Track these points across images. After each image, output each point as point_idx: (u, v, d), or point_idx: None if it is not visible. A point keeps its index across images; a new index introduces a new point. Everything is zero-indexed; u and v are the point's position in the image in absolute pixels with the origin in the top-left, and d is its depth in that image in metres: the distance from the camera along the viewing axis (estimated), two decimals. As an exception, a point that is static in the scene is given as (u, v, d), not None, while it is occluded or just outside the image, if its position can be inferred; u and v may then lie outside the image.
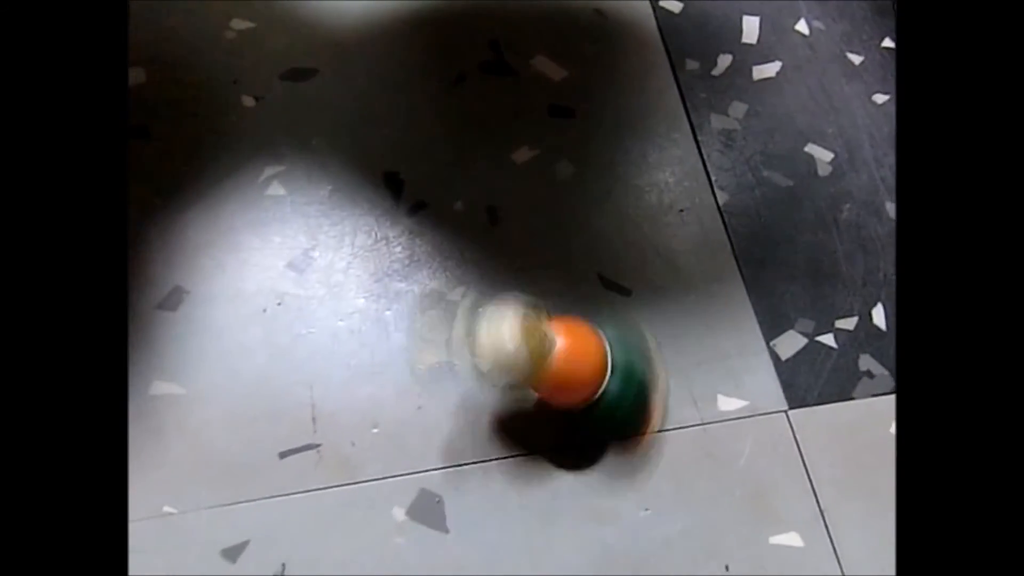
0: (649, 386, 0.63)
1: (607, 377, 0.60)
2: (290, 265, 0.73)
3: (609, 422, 0.62)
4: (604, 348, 0.61)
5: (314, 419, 0.66)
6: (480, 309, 0.59)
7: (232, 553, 0.60)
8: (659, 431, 0.65)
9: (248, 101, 0.80)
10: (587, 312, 0.70)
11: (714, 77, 0.83)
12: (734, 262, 0.73)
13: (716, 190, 0.77)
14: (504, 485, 0.63)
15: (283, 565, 0.60)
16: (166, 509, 0.62)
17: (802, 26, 0.87)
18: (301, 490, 0.63)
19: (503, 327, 0.57)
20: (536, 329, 0.58)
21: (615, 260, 0.73)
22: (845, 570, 0.60)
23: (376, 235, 0.74)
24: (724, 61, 0.84)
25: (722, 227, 0.75)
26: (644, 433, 0.64)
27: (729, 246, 0.74)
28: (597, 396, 0.60)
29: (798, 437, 0.65)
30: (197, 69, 0.82)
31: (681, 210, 0.76)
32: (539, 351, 0.58)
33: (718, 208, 0.76)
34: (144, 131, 0.78)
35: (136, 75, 0.81)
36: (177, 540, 0.61)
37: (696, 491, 0.63)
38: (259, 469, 0.63)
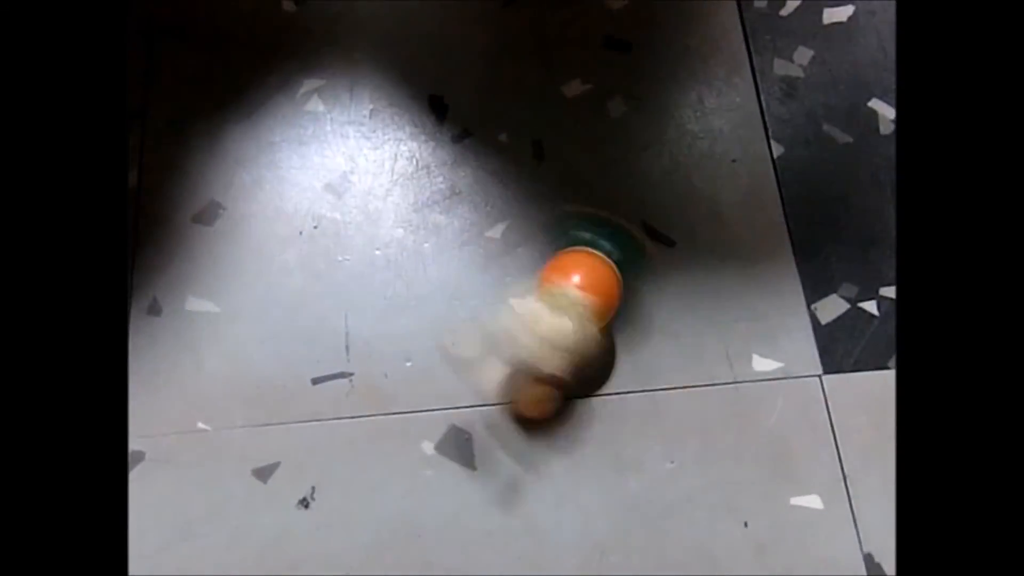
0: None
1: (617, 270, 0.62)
2: (328, 187, 0.71)
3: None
4: (607, 263, 0.62)
5: (348, 347, 0.65)
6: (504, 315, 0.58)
7: (263, 473, 0.61)
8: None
9: (289, 6, 0.76)
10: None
11: (781, 18, 0.78)
12: (783, 219, 0.71)
13: (772, 142, 0.74)
14: (533, 427, 0.63)
15: (312, 488, 0.61)
16: (200, 425, 0.62)
17: (882, -33, 0.81)
18: (333, 417, 0.63)
19: (543, 324, 0.56)
20: (560, 296, 0.57)
21: (661, 208, 0.71)
22: (862, 535, 0.61)
23: (417, 162, 0.72)
24: (794, 1, 0.79)
25: (774, 182, 0.72)
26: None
27: (779, 202, 0.72)
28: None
29: (829, 403, 0.65)
30: (235, -33, 0.77)
31: (733, 160, 0.73)
32: (576, 310, 0.57)
33: (772, 161, 0.73)
34: (181, 32, 0.74)
35: (171, -31, 0.76)
36: (210, 456, 0.62)
37: (722, 448, 0.63)
38: (292, 393, 0.64)
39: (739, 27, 0.77)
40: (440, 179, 0.71)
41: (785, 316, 0.68)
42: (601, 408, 0.64)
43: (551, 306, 0.57)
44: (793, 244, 0.70)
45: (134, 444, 0.62)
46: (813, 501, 0.62)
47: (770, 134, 0.74)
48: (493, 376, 0.63)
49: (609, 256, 0.63)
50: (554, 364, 0.56)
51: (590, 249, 0.63)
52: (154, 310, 0.66)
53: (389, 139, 0.72)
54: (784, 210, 0.71)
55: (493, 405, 0.64)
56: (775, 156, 0.73)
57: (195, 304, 0.66)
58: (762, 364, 0.66)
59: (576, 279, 0.60)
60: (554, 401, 0.63)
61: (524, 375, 0.60)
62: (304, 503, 0.61)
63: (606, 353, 0.66)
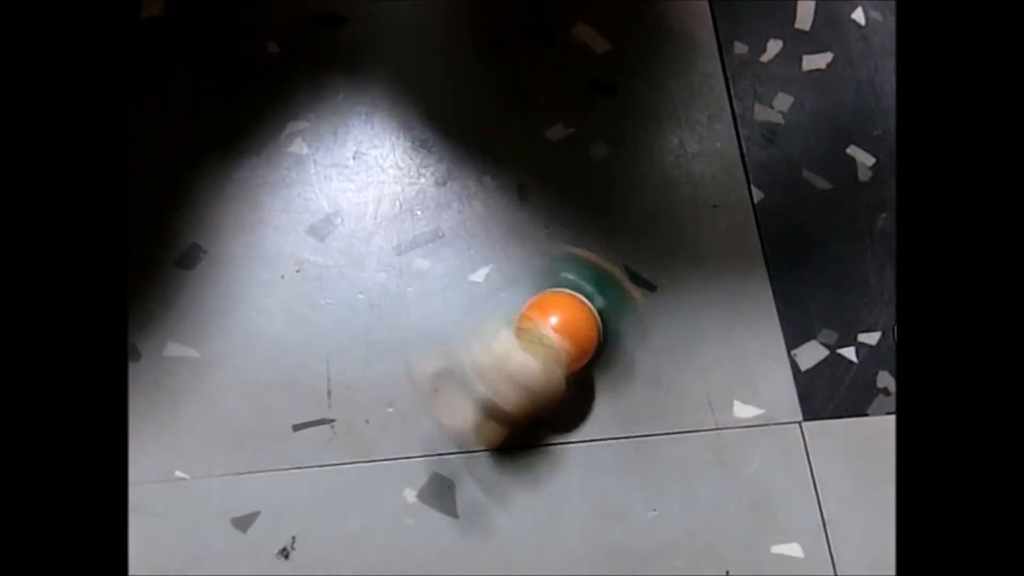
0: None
1: (598, 319, 0.63)
2: (311, 230, 0.71)
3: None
4: (587, 307, 0.63)
5: (329, 392, 0.65)
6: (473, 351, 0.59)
7: (243, 523, 0.61)
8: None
9: (273, 47, 0.76)
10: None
11: (762, 63, 0.80)
12: (763, 264, 0.72)
13: (752, 187, 0.75)
14: (516, 475, 0.63)
15: (293, 538, 0.61)
16: (178, 474, 0.62)
17: (859, 15, 0.83)
18: (314, 464, 0.63)
19: (503, 352, 0.57)
20: (534, 336, 0.58)
21: (643, 252, 0.72)
22: (841, 583, 0.62)
23: (401, 205, 0.72)
24: (774, 47, 0.80)
25: (755, 227, 0.74)
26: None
27: (760, 247, 0.73)
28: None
29: (809, 449, 0.66)
30: (220, 5, 0.77)
31: (715, 206, 0.74)
32: (547, 352, 0.58)
33: (752, 207, 0.74)
34: (163, 73, 0.74)
35: (152, 7, 0.76)
36: (188, 505, 0.61)
37: (704, 495, 0.64)
38: (272, 440, 0.63)
39: (720, 72, 0.79)
40: (424, 222, 0.72)
41: (766, 361, 0.69)
42: (584, 455, 0.65)
43: (522, 344, 0.57)
44: (773, 289, 0.72)
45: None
46: (794, 549, 0.63)
47: (751, 179, 0.75)
48: (453, 406, 0.62)
49: (592, 300, 0.64)
50: (514, 402, 0.56)
51: (573, 292, 0.64)
52: (133, 356, 0.65)
53: (373, 182, 0.73)
54: (764, 255, 0.73)
55: (475, 451, 0.64)
56: (755, 201, 0.75)
57: (175, 350, 0.66)
58: (743, 410, 0.67)
59: (553, 320, 0.61)
60: (509, 430, 0.62)
61: (483, 408, 0.60)
62: (284, 553, 0.60)
63: (579, 397, 0.66)
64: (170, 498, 0.61)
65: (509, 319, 0.61)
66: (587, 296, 0.64)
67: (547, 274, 0.68)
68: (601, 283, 0.66)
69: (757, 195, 0.75)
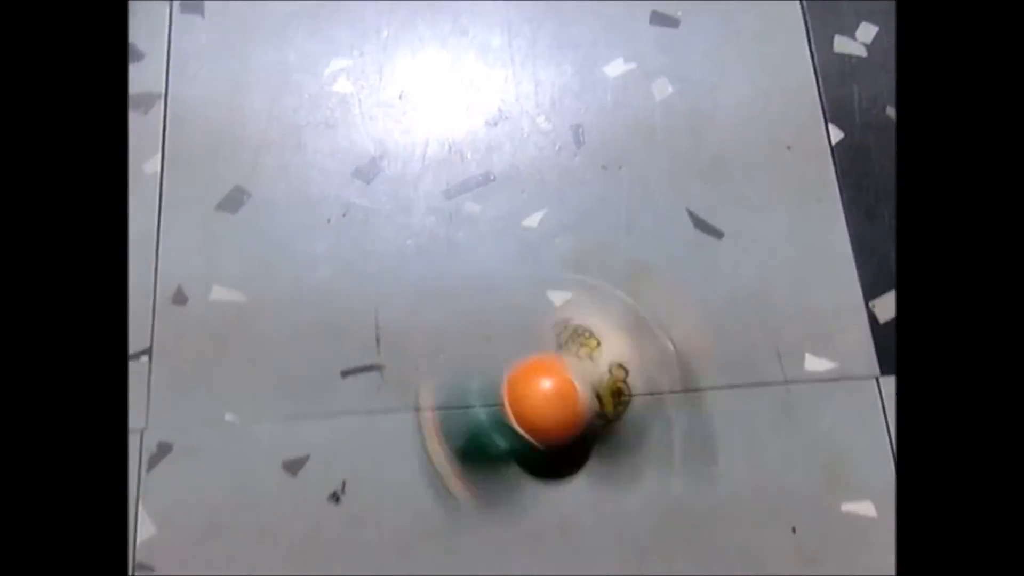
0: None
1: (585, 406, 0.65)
2: (357, 173, 0.78)
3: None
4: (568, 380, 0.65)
5: (378, 339, 0.73)
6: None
7: (293, 466, 0.69)
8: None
9: (315, -19, 0.83)
10: (676, 255, 0.75)
11: (844, -9, 0.84)
12: (840, 210, 0.77)
13: (830, 127, 0.80)
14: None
15: (343, 483, 0.69)
16: (228, 417, 0.71)
17: (955, -65, 0.86)
18: (364, 411, 0.71)
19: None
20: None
21: (708, 197, 0.77)
22: (917, 545, 0.67)
23: (450, 147, 0.79)
24: (858, -28, 0.84)
25: (832, 169, 0.78)
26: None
27: (837, 191, 0.78)
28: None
29: (886, 405, 0.71)
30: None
31: (788, 147, 0.79)
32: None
33: (830, 148, 0.79)
34: (200, 9, 0.82)
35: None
36: (238, 449, 0.70)
37: (770, 451, 0.70)
38: (321, 386, 0.71)
39: (797, 1, 0.83)
40: (474, 164, 0.79)
41: (842, 313, 0.74)
42: (645, 407, 0.71)
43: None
44: (851, 237, 0.76)
45: (161, 435, 0.70)
46: (866, 508, 0.68)
47: (828, 118, 0.80)
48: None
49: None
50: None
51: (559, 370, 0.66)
52: (179, 299, 0.74)
53: (420, 122, 0.80)
54: (842, 200, 0.77)
55: (529, 402, 0.71)
56: (833, 142, 0.79)
57: (221, 294, 0.74)
58: (815, 364, 0.72)
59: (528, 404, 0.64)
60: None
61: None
62: (335, 497, 0.68)
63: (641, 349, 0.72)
64: (220, 441, 0.70)
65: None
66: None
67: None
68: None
69: (835, 135, 0.80)
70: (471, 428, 0.69)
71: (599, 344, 0.69)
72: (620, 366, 0.69)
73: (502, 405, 0.64)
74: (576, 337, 0.70)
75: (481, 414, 0.69)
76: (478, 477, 0.68)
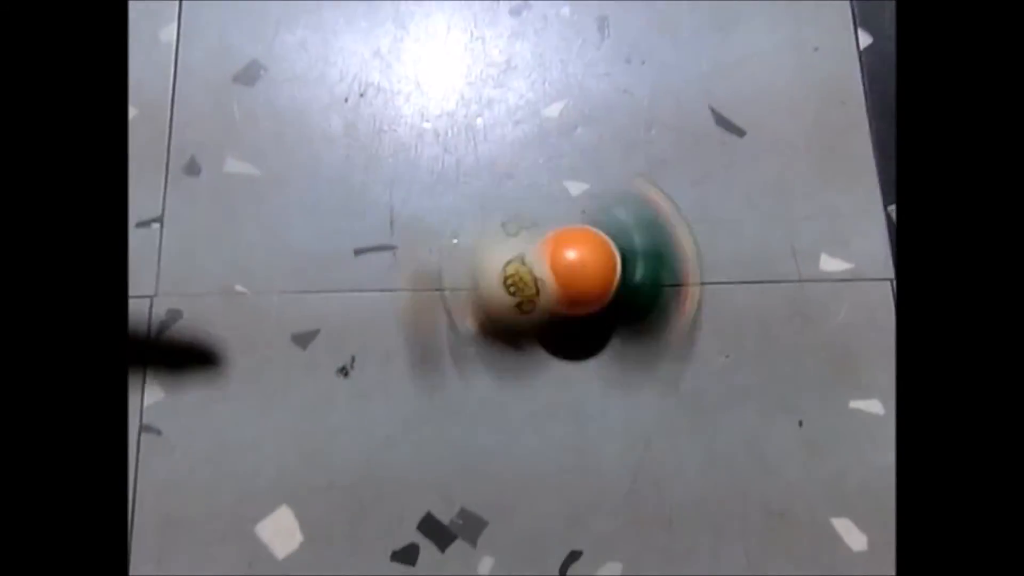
0: (675, 268, 0.68)
1: (617, 278, 0.65)
2: (376, 54, 0.76)
3: (635, 311, 0.68)
4: (610, 250, 0.65)
5: (392, 220, 0.72)
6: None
7: (302, 340, 0.69)
8: (696, 309, 0.70)
9: None
10: (696, 152, 0.74)
11: None
12: (864, 113, 0.76)
13: (859, 31, 0.78)
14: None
15: (352, 358, 0.68)
16: (238, 288, 0.70)
17: None
18: (375, 288, 0.70)
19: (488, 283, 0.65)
20: (521, 279, 0.64)
21: (732, 95, 0.76)
22: (922, 444, 0.68)
23: (472, 33, 0.77)
24: None
25: (859, 73, 0.77)
26: (681, 312, 0.69)
27: (863, 96, 0.76)
28: (611, 297, 0.65)
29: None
30: None
31: (816, 48, 0.77)
32: (529, 296, 0.64)
33: (858, 52, 0.77)
34: None
35: None
36: (248, 320, 0.69)
37: (781, 345, 0.69)
38: (333, 262, 0.71)
39: (832, -98, 0.81)
40: (496, 51, 0.77)
41: (860, 215, 0.73)
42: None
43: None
44: (874, 142, 0.75)
45: (171, 303, 0.69)
46: (873, 406, 0.68)
47: (858, 21, 0.78)
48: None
49: (636, 244, 0.67)
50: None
51: (599, 232, 0.66)
52: (192, 170, 0.73)
53: (443, 5, 0.78)
54: (867, 104, 0.76)
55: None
56: (862, 46, 0.78)
57: (235, 166, 0.73)
58: (831, 264, 0.72)
59: (567, 256, 0.64)
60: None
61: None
62: (343, 371, 0.68)
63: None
64: (230, 311, 0.69)
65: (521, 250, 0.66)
66: (632, 243, 0.67)
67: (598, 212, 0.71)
68: (652, 230, 0.68)
69: (864, 39, 0.78)
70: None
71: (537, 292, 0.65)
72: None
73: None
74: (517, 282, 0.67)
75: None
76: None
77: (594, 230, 0.67)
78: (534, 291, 0.64)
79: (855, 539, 0.65)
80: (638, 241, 0.67)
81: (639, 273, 0.66)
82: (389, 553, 0.64)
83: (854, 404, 0.68)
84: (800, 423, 0.68)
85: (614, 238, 0.66)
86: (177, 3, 0.77)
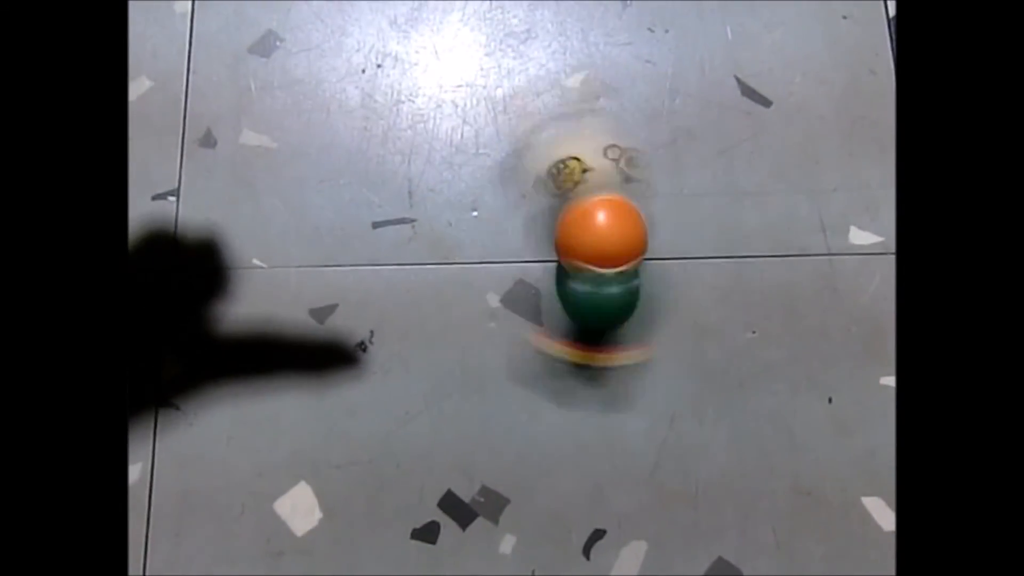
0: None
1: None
2: (393, 23, 0.74)
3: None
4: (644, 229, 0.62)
5: (410, 193, 0.70)
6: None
7: (320, 314, 0.67)
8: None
9: None
10: (721, 122, 0.72)
11: None
12: (894, 84, 0.73)
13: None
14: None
15: (371, 332, 0.67)
16: (255, 262, 0.68)
17: None
18: (394, 263, 0.68)
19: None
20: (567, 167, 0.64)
21: (758, 64, 0.73)
22: (954, 421, 0.65)
23: (492, 1, 0.75)
24: None
25: (888, 43, 0.74)
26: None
27: (892, 66, 0.73)
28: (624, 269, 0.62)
29: (931, 283, 0.68)
30: None
31: (844, 16, 0.75)
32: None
33: (887, 19, 0.75)
34: None
35: None
36: (265, 294, 0.67)
37: (809, 321, 0.67)
38: (351, 235, 0.69)
39: None
40: (516, 20, 0.74)
41: (889, 188, 0.70)
42: (681, 272, 0.68)
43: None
44: (904, 112, 0.72)
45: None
46: (904, 382, 0.66)
47: (888, -11, 0.75)
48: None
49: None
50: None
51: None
52: (208, 142, 0.71)
53: (462, -26, 0.75)
54: (898, 73, 0.73)
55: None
56: (891, 14, 0.75)
57: (251, 138, 0.71)
58: (860, 237, 0.69)
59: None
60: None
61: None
62: (362, 346, 0.66)
63: (676, 214, 0.69)
64: (247, 285, 0.67)
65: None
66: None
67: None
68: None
69: (893, 8, 0.75)
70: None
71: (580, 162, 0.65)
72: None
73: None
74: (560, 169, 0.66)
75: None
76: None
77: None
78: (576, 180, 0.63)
79: (886, 518, 0.63)
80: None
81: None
82: (409, 531, 0.63)
83: (884, 380, 0.66)
84: (829, 400, 0.66)
85: None
86: (191, -27, 0.75)
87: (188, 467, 0.64)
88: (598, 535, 0.63)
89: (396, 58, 0.73)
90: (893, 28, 0.74)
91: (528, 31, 0.74)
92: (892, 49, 0.74)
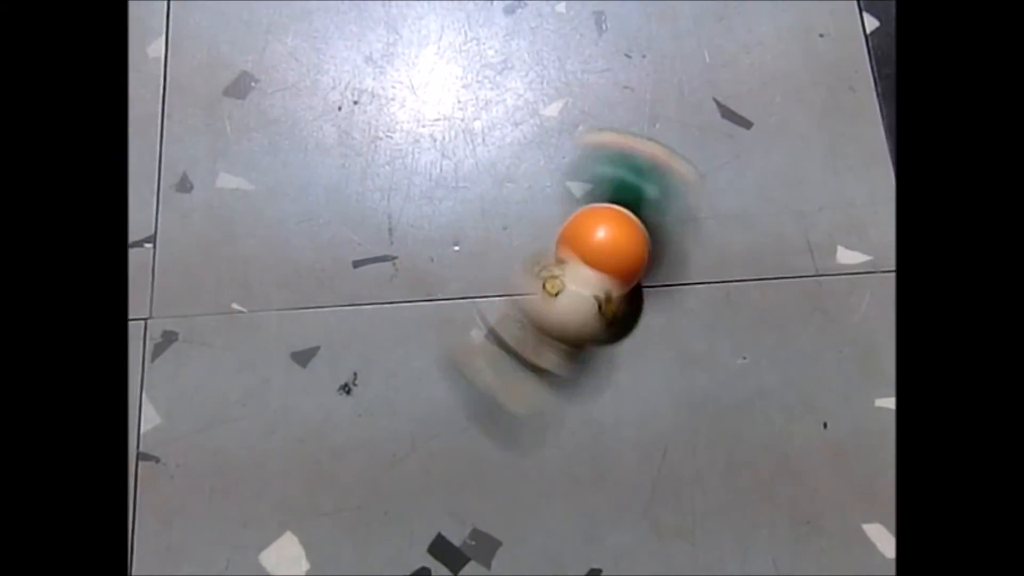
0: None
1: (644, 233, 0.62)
2: (368, 60, 0.72)
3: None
4: (639, 228, 0.62)
5: (391, 230, 0.68)
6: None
7: (303, 357, 0.64)
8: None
9: None
10: (702, 145, 0.70)
11: None
12: (875, 100, 0.71)
13: (865, 15, 0.73)
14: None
15: (355, 374, 0.64)
16: (235, 306, 0.66)
17: None
18: (375, 301, 0.66)
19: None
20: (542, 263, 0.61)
21: (736, 86, 0.71)
22: (953, 441, 0.63)
23: (467, 33, 0.73)
24: None
25: (867, 58, 0.72)
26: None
27: (872, 82, 0.72)
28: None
29: (922, 300, 0.66)
30: None
31: (821, 35, 0.73)
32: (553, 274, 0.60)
33: (865, 36, 0.73)
34: None
35: None
36: (246, 338, 0.65)
37: (800, 344, 0.65)
38: (331, 276, 0.66)
39: None
40: (492, 51, 0.73)
41: (876, 205, 0.68)
42: (668, 299, 0.66)
43: (559, 294, 0.59)
44: (885, 127, 0.70)
45: (166, 324, 0.65)
46: (900, 403, 0.63)
47: (863, 7, 0.74)
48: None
49: (640, 198, 0.63)
50: (551, 360, 0.61)
51: (613, 207, 0.63)
52: (184, 187, 0.69)
53: (435, 7, 0.74)
54: (877, 90, 0.71)
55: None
56: (868, 31, 0.73)
57: (228, 181, 0.69)
58: (848, 256, 0.67)
59: (594, 246, 0.61)
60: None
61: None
62: (346, 389, 0.64)
63: (661, 242, 0.67)
64: (227, 331, 0.65)
65: (544, 253, 0.62)
66: (632, 195, 0.63)
67: (584, 170, 0.68)
68: (641, 170, 0.64)
69: (870, 24, 0.73)
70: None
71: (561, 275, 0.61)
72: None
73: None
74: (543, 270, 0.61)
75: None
76: None
77: (599, 206, 0.63)
78: (558, 270, 0.60)
79: (888, 545, 0.60)
80: (647, 191, 0.63)
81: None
82: (400, 577, 0.60)
83: (880, 402, 0.64)
84: (824, 425, 0.63)
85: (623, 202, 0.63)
86: (164, 17, 0.73)
87: (171, 521, 0.61)
88: (594, 574, 0.60)
89: (372, 94, 0.71)
90: (871, 44, 0.73)
91: (504, 62, 0.72)
92: (872, 65, 0.72)
